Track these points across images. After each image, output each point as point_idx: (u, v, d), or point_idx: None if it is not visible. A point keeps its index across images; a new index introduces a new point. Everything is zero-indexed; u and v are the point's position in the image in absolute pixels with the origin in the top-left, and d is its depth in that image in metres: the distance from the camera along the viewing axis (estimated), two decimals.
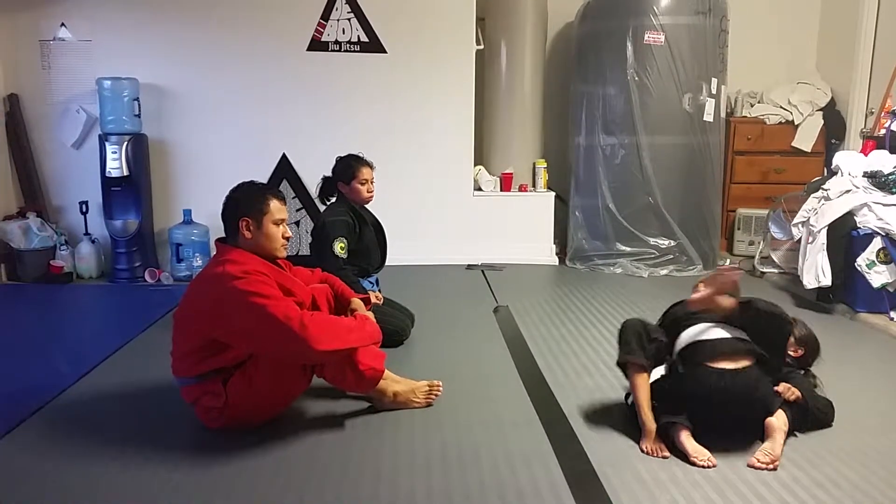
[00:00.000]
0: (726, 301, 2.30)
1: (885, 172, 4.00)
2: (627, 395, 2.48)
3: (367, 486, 2.05)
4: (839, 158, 4.32)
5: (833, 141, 5.36)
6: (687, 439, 2.17)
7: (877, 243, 3.78)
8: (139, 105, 4.77)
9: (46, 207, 5.01)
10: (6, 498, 1.98)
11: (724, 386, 2.17)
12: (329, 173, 3.46)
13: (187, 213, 4.88)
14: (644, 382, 2.30)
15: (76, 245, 4.92)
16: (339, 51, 5.05)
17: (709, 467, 2.11)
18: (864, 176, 4.06)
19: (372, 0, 4.99)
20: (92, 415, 2.57)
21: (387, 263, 3.65)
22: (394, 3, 5.04)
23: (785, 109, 5.44)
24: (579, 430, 2.40)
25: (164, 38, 4.92)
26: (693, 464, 2.13)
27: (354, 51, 5.05)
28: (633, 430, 2.40)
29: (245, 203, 2.37)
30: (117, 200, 4.80)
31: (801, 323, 2.53)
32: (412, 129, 5.17)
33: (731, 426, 2.25)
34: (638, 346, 2.31)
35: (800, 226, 4.20)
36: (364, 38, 5.05)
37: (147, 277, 4.79)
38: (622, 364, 2.37)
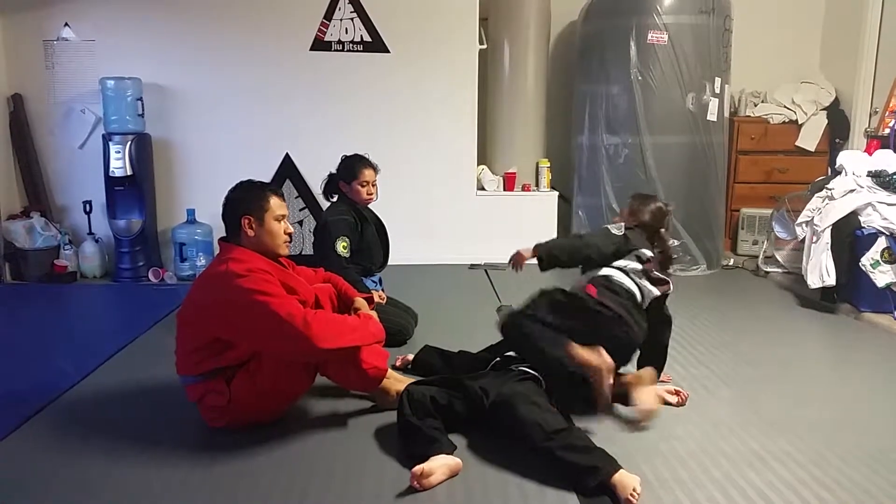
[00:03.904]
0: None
1: (890, 172, 4.00)
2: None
3: (370, 485, 2.05)
4: (843, 158, 4.31)
5: (837, 140, 5.35)
6: None
7: (881, 243, 3.77)
8: (143, 105, 4.78)
9: (50, 207, 5.02)
10: (9, 497, 1.98)
11: None
12: (335, 171, 3.47)
13: (191, 212, 4.88)
14: None
15: (80, 244, 4.92)
16: (343, 50, 5.05)
17: None
18: (868, 175, 4.05)
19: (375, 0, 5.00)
20: (95, 414, 2.58)
21: (390, 263, 3.65)
22: (397, 3, 5.03)
23: (789, 109, 5.43)
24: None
25: (168, 37, 4.92)
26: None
27: (357, 50, 5.05)
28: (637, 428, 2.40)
29: (245, 201, 2.37)
30: (121, 200, 4.80)
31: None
32: (415, 128, 5.17)
33: None
34: None
35: (804, 225, 4.19)
36: (367, 38, 5.05)
37: (150, 277, 4.80)
38: None
